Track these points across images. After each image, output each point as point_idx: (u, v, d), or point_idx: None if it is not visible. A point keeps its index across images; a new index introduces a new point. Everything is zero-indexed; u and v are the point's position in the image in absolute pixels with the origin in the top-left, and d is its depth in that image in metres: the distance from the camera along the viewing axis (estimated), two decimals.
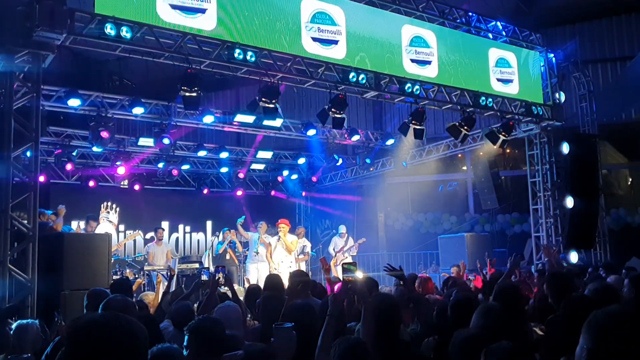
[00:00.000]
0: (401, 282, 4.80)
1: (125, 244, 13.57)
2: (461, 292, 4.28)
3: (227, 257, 11.75)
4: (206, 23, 7.42)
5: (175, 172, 13.24)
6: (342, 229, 12.58)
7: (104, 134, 9.81)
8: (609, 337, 1.72)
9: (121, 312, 1.75)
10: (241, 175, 14.78)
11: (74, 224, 11.79)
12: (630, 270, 8.09)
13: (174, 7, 7.20)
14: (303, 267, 11.48)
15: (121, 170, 12.40)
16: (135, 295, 6.55)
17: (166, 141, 10.93)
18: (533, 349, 3.22)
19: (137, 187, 13.42)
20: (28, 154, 6.64)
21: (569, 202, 11.29)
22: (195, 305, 5.34)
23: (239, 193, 15.01)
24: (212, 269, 9.96)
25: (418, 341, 3.96)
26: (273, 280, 5.48)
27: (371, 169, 14.88)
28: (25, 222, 6.27)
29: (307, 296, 4.63)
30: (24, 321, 3.91)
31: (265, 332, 3.76)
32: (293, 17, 8.23)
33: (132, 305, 3.57)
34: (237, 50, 7.47)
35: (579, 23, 15.78)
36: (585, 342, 1.75)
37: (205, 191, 14.71)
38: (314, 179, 15.72)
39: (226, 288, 5.10)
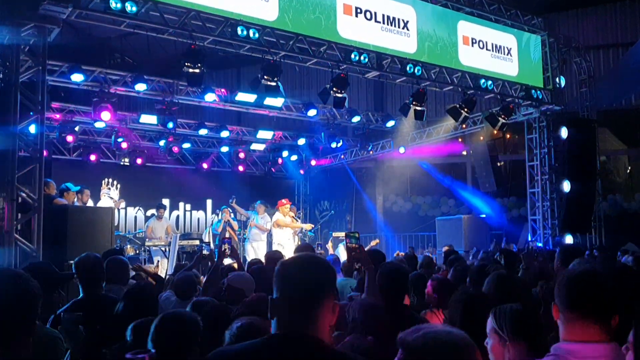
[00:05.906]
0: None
1: (125, 220, 13.77)
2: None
3: (227, 235, 11.85)
4: None
5: (175, 149, 13.30)
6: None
7: (106, 114, 9.82)
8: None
9: None
10: (241, 155, 14.89)
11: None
12: (625, 252, 8.23)
13: None
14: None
15: (123, 145, 12.57)
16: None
17: (170, 125, 11.14)
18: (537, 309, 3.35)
19: (139, 160, 13.47)
20: (33, 127, 6.70)
21: (566, 186, 11.41)
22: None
23: (240, 169, 15.14)
24: (212, 245, 9.98)
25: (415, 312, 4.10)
26: (274, 255, 5.60)
27: (371, 152, 14.96)
28: (31, 193, 6.36)
29: None
30: None
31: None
32: None
33: None
34: (240, 28, 7.51)
35: (581, 8, 15.76)
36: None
37: (205, 165, 14.77)
38: (314, 161, 15.75)
39: (232, 260, 5.21)
